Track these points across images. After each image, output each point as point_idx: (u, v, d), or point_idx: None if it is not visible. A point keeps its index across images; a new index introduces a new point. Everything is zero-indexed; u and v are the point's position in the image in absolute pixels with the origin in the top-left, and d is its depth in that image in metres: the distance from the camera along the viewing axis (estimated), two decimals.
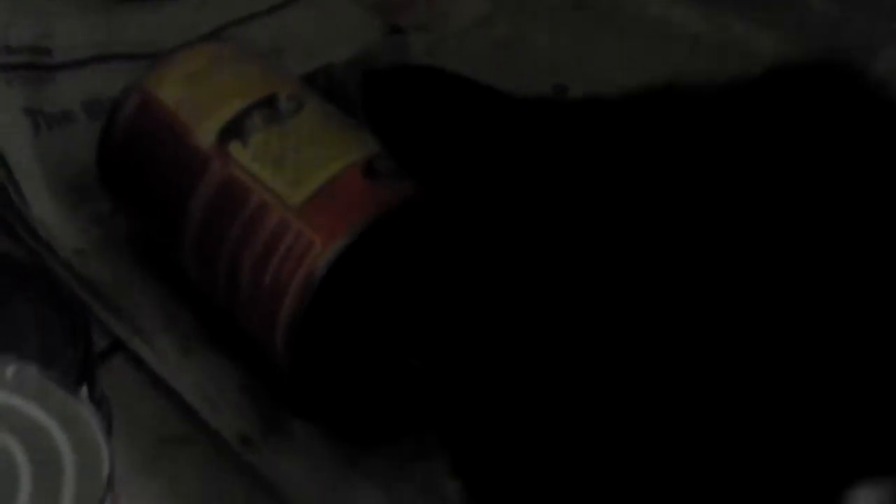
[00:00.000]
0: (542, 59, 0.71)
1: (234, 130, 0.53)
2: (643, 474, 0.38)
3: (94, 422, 0.41)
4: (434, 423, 0.46)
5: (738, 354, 0.37)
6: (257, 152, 0.52)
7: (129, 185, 0.56)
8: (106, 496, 0.40)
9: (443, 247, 0.44)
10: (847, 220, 0.38)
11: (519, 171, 0.43)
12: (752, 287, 0.37)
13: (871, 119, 0.41)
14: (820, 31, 0.67)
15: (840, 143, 0.40)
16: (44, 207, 0.60)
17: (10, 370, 0.42)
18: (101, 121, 0.57)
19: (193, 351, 0.56)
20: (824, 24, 0.68)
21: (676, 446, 0.37)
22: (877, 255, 0.38)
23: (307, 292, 0.50)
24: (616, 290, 0.39)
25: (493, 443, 0.42)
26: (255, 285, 0.51)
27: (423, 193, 0.45)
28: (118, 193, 0.57)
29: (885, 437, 0.37)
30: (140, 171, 0.55)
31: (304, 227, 0.50)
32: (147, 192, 0.55)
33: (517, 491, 0.42)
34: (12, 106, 0.63)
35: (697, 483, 0.38)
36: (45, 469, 0.40)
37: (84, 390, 0.48)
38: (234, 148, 0.53)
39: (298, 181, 0.51)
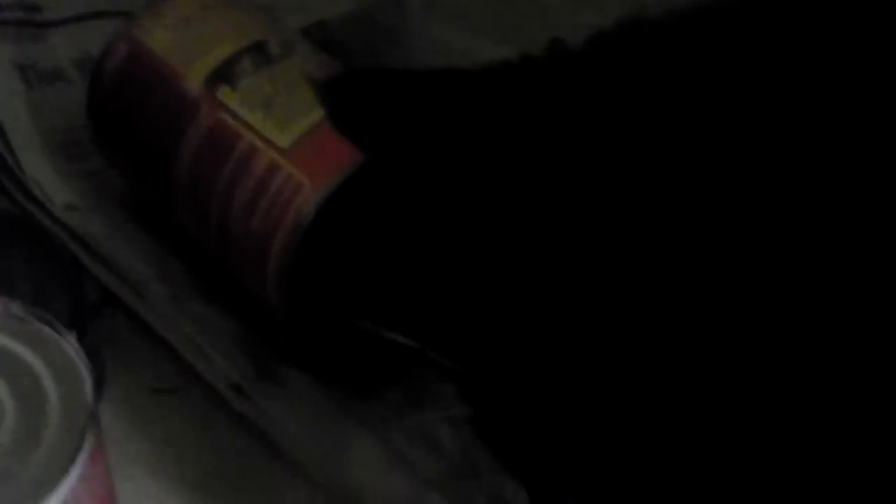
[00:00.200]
0: (539, 14, 0.70)
1: (223, 75, 0.53)
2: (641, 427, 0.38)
3: (77, 357, 0.41)
4: (441, 355, 0.45)
5: (737, 347, 0.36)
6: (246, 96, 0.52)
7: (120, 134, 0.56)
8: (88, 428, 0.39)
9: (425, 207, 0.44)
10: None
11: (490, 133, 0.42)
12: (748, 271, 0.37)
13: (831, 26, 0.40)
14: None
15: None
16: (35, 163, 0.60)
17: None
18: None
19: (185, 301, 0.55)
20: None
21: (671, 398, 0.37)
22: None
23: (296, 233, 0.49)
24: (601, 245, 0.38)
25: (500, 374, 0.42)
26: (246, 228, 0.51)
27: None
28: (109, 143, 0.57)
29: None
30: (130, 118, 0.55)
31: (293, 169, 0.50)
32: (137, 140, 0.55)
33: (523, 422, 0.41)
34: (3, 61, 0.63)
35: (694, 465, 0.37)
36: (28, 402, 0.40)
37: (74, 337, 0.48)
38: (223, 92, 0.52)
39: (287, 124, 0.51)
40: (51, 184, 0.59)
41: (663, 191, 0.38)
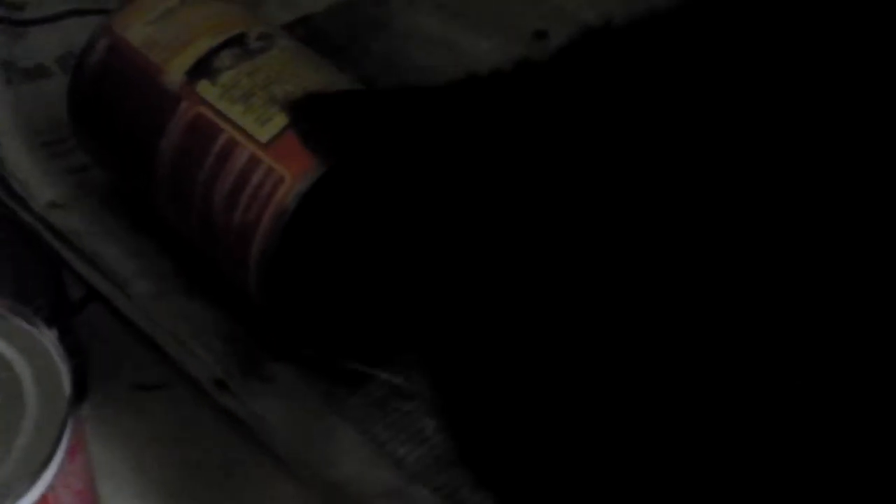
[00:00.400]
0: (522, 5, 0.70)
1: (202, 69, 0.53)
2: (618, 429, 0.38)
3: (56, 352, 0.41)
4: (417, 359, 0.45)
5: (734, 344, 0.36)
6: (226, 90, 0.52)
7: (101, 129, 0.56)
8: (66, 423, 0.39)
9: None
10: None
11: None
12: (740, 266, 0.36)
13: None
14: None
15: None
16: (17, 160, 0.60)
17: None
18: None
19: (168, 297, 0.55)
20: None
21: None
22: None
23: (278, 226, 0.49)
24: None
25: (476, 380, 0.41)
26: (227, 222, 0.51)
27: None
28: (90, 138, 0.57)
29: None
30: (111, 113, 0.55)
31: (274, 162, 0.50)
32: (119, 135, 0.55)
33: (498, 430, 0.41)
34: None
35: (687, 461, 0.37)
36: (7, 397, 0.40)
37: (53, 333, 0.48)
38: (203, 87, 0.52)
39: (267, 118, 0.51)
40: (33, 181, 0.59)
41: (642, 192, 0.38)
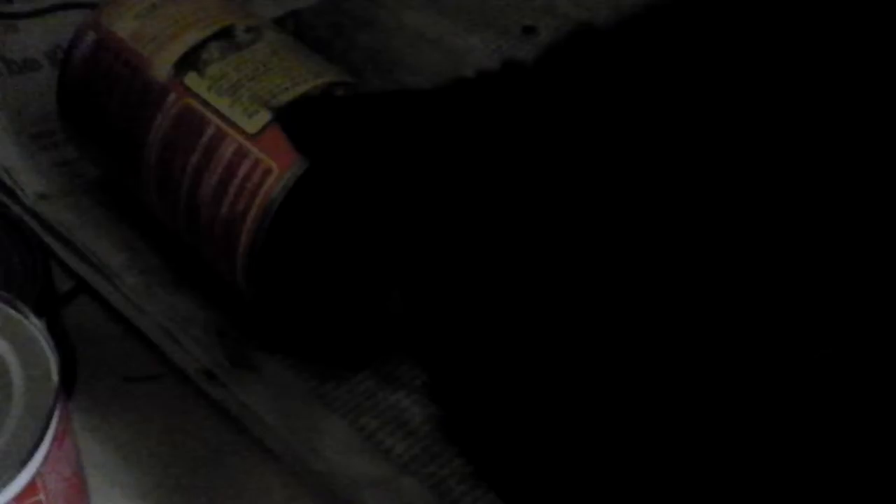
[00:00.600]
0: (511, 1, 0.71)
1: (190, 62, 0.53)
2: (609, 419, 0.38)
3: (43, 339, 0.41)
4: (411, 344, 0.45)
5: (729, 344, 0.36)
6: (214, 82, 0.52)
7: (89, 122, 0.56)
8: (54, 409, 0.39)
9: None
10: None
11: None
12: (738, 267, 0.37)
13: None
14: None
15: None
16: (7, 153, 0.60)
17: None
18: None
19: (157, 288, 0.55)
20: None
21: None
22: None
23: (265, 218, 0.49)
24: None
25: (471, 366, 0.42)
26: (215, 214, 0.51)
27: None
28: (78, 131, 0.57)
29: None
30: (99, 106, 0.55)
31: (261, 154, 0.50)
32: (107, 127, 0.55)
33: (493, 418, 0.41)
34: None
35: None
36: None
37: (41, 321, 0.48)
38: (191, 79, 0.52)
39: (255, 110, 0.51)
40: (22, 173, 0.60)
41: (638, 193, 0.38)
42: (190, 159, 0.51)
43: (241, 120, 0.51)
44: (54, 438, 0.39)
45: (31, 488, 0.38)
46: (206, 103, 0.52)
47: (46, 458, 0.39)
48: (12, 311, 0.42)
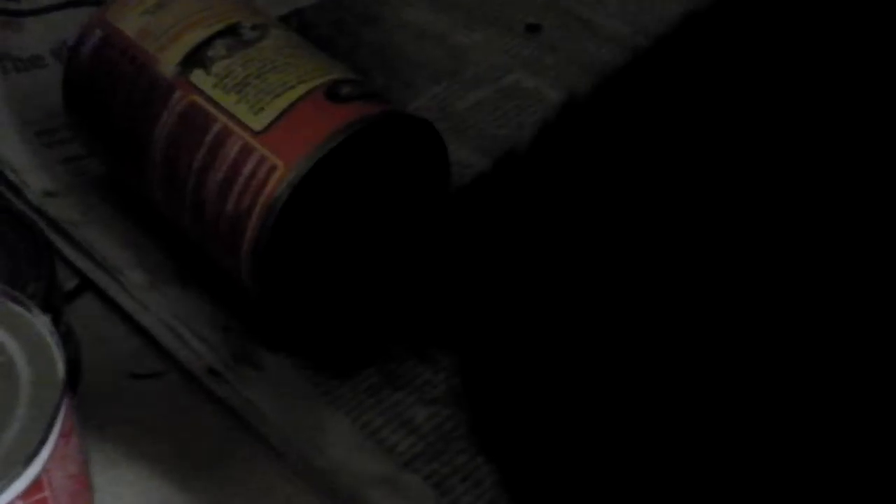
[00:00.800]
0: None
1: (196, 59, 0.53)
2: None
3: (50, 336, 0.41)
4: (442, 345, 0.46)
5: (737, 350, 0.36)
6: (219, 80, 0.52)
7: (95, 118, 0.56)
8: (60, 406, 0.39)
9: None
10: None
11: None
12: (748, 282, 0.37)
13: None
14: None
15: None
16: (12, 150, 0.60)
17: None
18: None
19: (162, 286, 0.55)
20: None
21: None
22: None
23: (270, 215, 0.50)
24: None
25: (500, 369, 0.42)
26: (220, 211, 0.51)
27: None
28: (84, 127, 0.57)
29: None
30: (104, 103, 0.55)
31: (267, 151, 0.50)
32: (112, 124, 0.55)
33: (517, 415, 0.42)
34: None
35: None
36: (0, 381, 0.40)
37: (48, 318, 0.48)
38: (197, 76, 0.52)
39: (261, 107, 0.51)
40: (28, 170, 0.60)
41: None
42: (195, 156, 0.52)
43: (247, 117, 0.51)
44: (60, 435, 0.39)
45: (36, 485, 0.39)
46: (211, 100, 0.52)
47: (52, 454, 0.39)
48: (18, 308, 0.42)
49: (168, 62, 0.53)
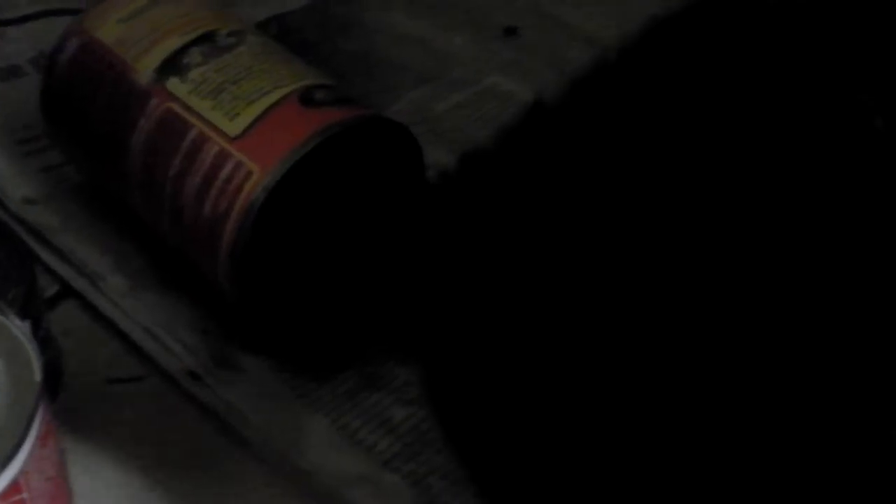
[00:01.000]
0: (493, 1, 0.71)
1: (172, 66, 0.53)
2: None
3: (26, 339, 0.42)
4: (403, 349, 0.46)
5: (729, 350, 0.37)
6: (196, 86, 0.52)
7: (73, 126, 0.57)
8: (37, 409, 0.40)
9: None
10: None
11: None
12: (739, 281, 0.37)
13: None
14: None
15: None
16: None
17: None
18: None
19: (142, 291, 0.56)
20: None
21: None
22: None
23: (247, 219, 0.50)
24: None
25: (465, 372, 0.42)
26: (197, 216, 0.51)
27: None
28: (62, 135, 0.58)
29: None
30: (82, 110, 0.55)
31: (243, 156, 0.51)
32: (90, 132, 0.55)
33: (486, 419, 0.42)
34: None
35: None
36: None
37: (27, 325, 0.48)
38: (173, 83, 0.53)
39: (237, 112, 0.51)
40: (7, 178, 0.60)
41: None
42: (172, 162, 0.52)
43: (223, 123, 0.51)
44: (37, 438, 0.40)
45: (14, 487, 0.39)
46: (187, 107, 0.52)
47: (29, 457, 0.39)
48: None
49: (145, 70, 0.53)
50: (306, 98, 0.52)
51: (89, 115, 0.55)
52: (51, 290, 0.57)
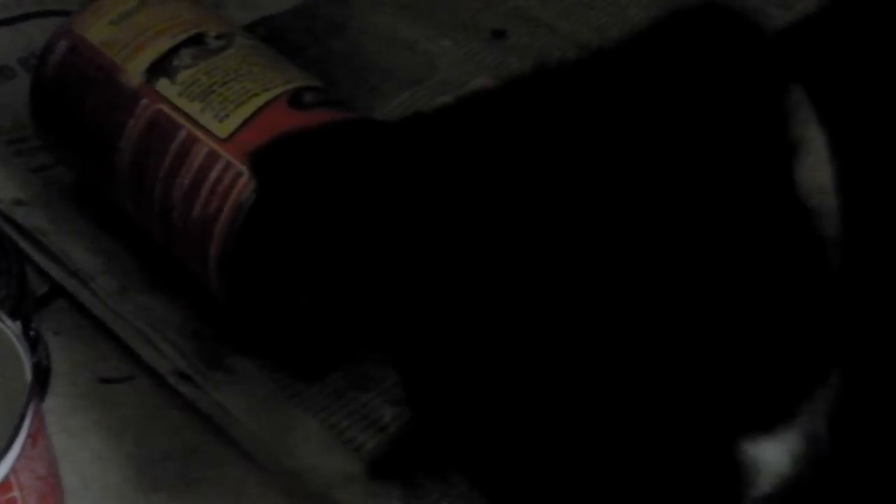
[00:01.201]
0: (481, 4, 0.71)
1: (162, 68, 0.54)
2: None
3: (16, 339, 0.42)
4: (382, 346, 0.46)
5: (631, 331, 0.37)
6: (185, 88, 0.53)
7: (63, 128, 0.57)
8: (28, 408, 0.40)
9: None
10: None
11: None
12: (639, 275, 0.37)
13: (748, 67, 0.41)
14: None
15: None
16: None
17: None
18: None
19: (132, 292, 0.56)
20: None
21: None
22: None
23: (237, 220, 0.50)
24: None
25: (442, 368, 0.42)
26: (187, 217, 0.52)
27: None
28: (52, 136, 0.58)
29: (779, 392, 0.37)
30: (72, 112, 0.56)
31: (232, 157, 0.51)
32: (80, 133, 0.56)
33: (461, 415, 0.42)
34: None
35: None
36: None
37: (17, 324, 0.49)
38: (162, 85, 0.53)
39: (226, 114, 0.52)
40: None
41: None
42: (162, 163, 0.52)
43: (212, 124, 0.52)
44: (28, 437, 0.40)
45: (5, 484, 0.39)
46: (177, 108, 0.52)
47: (20, 456, 0.39)
48: None
49: (134, 71, 0.54)
50: (295, 100, 0.52)
51: (79, 116, 0.55)
52: (41, 290, 0.57)
